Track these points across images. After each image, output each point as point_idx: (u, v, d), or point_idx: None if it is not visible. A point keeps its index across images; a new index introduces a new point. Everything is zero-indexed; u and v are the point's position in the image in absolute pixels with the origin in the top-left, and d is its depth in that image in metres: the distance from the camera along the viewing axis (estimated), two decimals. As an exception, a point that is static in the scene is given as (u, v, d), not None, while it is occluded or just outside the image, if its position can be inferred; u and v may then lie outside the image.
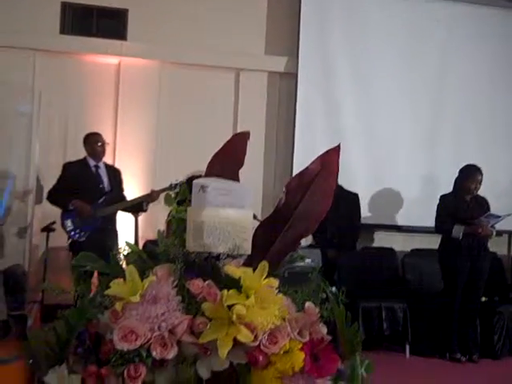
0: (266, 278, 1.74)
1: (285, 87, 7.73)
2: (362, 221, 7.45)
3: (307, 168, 1.80)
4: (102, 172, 6.15)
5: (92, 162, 6.11)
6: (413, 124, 7.83)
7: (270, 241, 1.80)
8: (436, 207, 6.60)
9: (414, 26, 7.85)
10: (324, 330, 1.81)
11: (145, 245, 6.57)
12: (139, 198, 6.12)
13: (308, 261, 6.24)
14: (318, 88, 7.62)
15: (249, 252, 1.79)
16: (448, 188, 6.69)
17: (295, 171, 7.39)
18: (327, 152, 1.79)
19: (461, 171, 6.58)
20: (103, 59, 7.26)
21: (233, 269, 1.74)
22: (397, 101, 7.79)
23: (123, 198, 6.26)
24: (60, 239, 6.60)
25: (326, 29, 7.62)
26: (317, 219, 1.79)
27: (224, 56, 7.45)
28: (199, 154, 7.11)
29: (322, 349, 1.74)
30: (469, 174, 6.51)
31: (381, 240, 7.86)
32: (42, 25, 7.05)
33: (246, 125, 7.55)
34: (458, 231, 6.34)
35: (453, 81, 7.98)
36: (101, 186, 6.06)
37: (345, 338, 1.80)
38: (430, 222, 6.74)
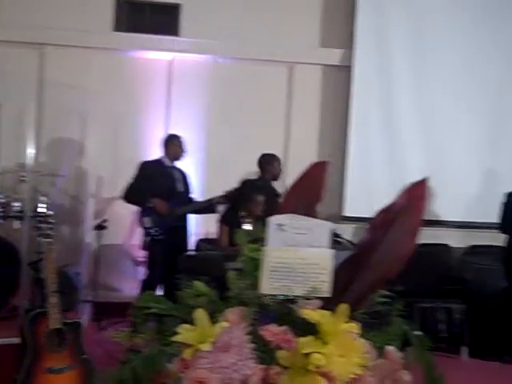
0: (345, 322, 1.61)
1: (340, 80, 7.53)
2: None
3: (393, 203, 1.65)
4: (176, 173, 6.19)
5: (168, 163, 6.14)
6: (473, 116, 7.52)
7: (351, 281, 1.66)
8: (502, 205, 6.35)
9: (477, 13, 7.51)
10: (407, 377, 1.67)
11: (197, 244, 6.56)
12: (211, 199, 6.09)
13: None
14: (373, 81, 7.39)
15: (328, 294, 1.65)
16: (510, 182, 6.45)
17: (350, 166, 7.25)
18: (414, 186, 1.64)
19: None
20: (156, 56, 7.17)
21: (310, 313, 1.61)
22: (455, 95, 7.48)
23: (191, 200, 6.30)
24: (112, 237, 6.61)
25: (383, 20, 7.36)
26: (401, 259, 1.64)
27: (278, 50, 7.28)
28: (253, 150, 7.13)
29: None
30: None
31: (437, 237, 7.62)
32: (95, 23, 7.00)
33: (299, 119, 7.43)
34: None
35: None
36: (175, 186, 6.07)
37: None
38: (490, 217, 6.52)
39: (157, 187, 5.88)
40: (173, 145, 6.15)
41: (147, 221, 5.81)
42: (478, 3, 7.54)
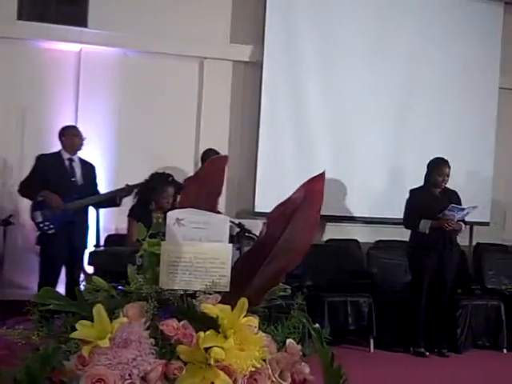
0: (245, 315, 1.62)
1: (250, 76, 7.57)
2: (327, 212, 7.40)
3: (290, 197, 1.68)
4: (76, 165, 6.06)
5: (66, 155, 6.02)
6: (380, 115, 7.76)
7: (251, 275, 1.68)
8: (405, 201, 6.55)
9: (384, 13, 7.74)
10: (306, 369, 1.70)
11: (107, 238, 6.47)
12: (112, 192, 6.02)
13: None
14: (283, 77, 7.49)
15: (227, 289, 1.66)
16: (415, 180, 6.66)
17: (260, 161, 7.33)
18: (311, 180, 1.67)
19: (428, 164, 6.54)
20: (63, 47, 6.99)
21: (209, 307, 1.62)
22: (364, 90, 7.70)
23: (97, 193, 6.14)
24: (18, 232, 6.43)
25: (293, 17, 7.46)
26: (300, 251, 1.67)
27: (188, 44, 7.24)
28: (162, 144, 7.07)
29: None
30: (436, 167, 6.47)
31: (346, 232, 7.80)
32: (-2, 11, 6.76)
33: (210, 114, 7.43)
34: (424, 226, 6.31)
35: (423, 71, 7.91)
36: (73, 179, 5.97)
37: (329, 378, 1.69)
38: (396, 213, 6.73)
39: (52, 181, 5.76)
40: (68, 136, 6.02)
41: (38, 215, 5.70)
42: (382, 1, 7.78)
